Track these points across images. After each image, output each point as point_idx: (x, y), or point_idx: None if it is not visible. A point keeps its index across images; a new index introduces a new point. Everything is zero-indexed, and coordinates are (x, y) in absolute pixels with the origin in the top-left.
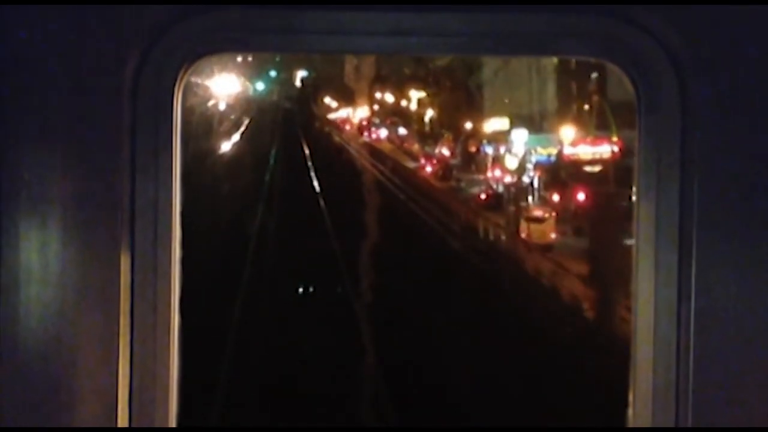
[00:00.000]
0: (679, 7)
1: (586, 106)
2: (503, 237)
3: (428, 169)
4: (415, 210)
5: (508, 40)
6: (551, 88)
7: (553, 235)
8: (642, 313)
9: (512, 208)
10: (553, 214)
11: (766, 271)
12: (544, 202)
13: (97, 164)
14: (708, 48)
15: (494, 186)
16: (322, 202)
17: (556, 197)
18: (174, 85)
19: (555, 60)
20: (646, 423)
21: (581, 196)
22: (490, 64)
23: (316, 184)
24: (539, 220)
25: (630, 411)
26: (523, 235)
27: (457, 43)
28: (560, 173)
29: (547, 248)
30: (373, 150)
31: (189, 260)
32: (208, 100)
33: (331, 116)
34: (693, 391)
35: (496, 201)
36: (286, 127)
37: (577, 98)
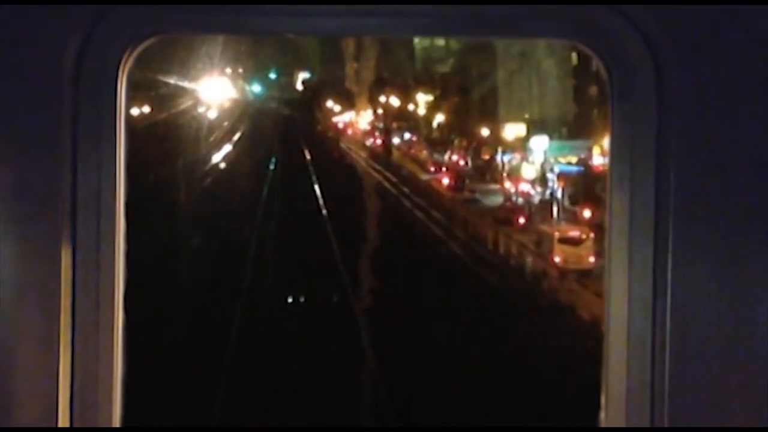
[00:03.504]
0: None
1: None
2: (537, 264)
3: (445, 181)
4: (434, 231)
5: (474, 21)
6: (569, 92)
7: (591, 260)
8: (615, 311)
9: (541, 227)
10: (591, 234)
11: (746, 266)
12: (573, 217)
13: (36, 154)
14: (687, 32)
15: (513, 198)
16: (330, 230)
17: (587, 213)
18: (118, 68)
19: (574, 61)
20: (619, 425)
21: None
22: (503, 68)
23: (322, 204)
24: (575, 242)
25: (603, 414)
26: (557, 260)
27: (420, 25)
28: (594, 186)
29: (586, 275)
30: (379, 158)
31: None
32: (197, 106)
33: (334, 119)
34: (669, 392)
35: (517, 216)
36: (286, 140)
37: (598, 103)
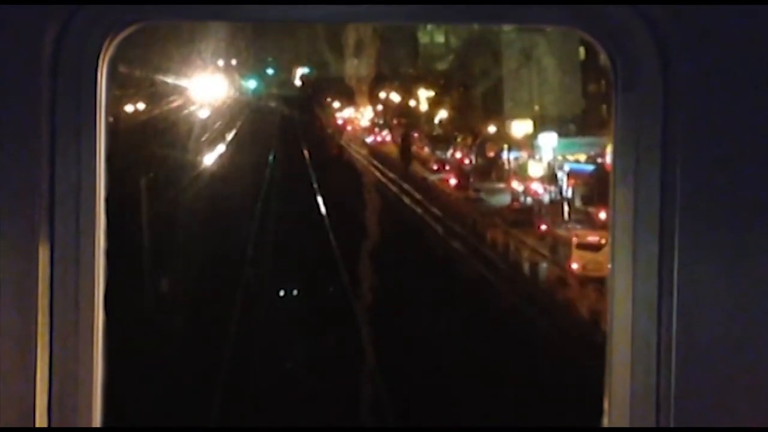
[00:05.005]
0: None
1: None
2: (556, 274)
3: (452, 181)
4: (436, 229)
5: (469, 7)
6: (577, 87)
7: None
8: (619, 311)
9: (557, 230)
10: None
11: (756, 264)
12: (586, 219)
13: (12, 146)
14: (694, 20)
15: (521, 198)
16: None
17: (603, 215)
18: (98, 57)
19: (582, 56)
20: (623, 427)
21: None
22: (507, 64)
23: (325, 214)
24: (594, 248)
25: (606, 419)
26: (575, 266)
27: (412, 11)
28: (609, 185)
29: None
30: (379, 154)
31: None
32: (187, 106)
33: (336, 115)
34: (675, 396)
35: (527, 218)
36: (285, 141)
37: (609, 98)
